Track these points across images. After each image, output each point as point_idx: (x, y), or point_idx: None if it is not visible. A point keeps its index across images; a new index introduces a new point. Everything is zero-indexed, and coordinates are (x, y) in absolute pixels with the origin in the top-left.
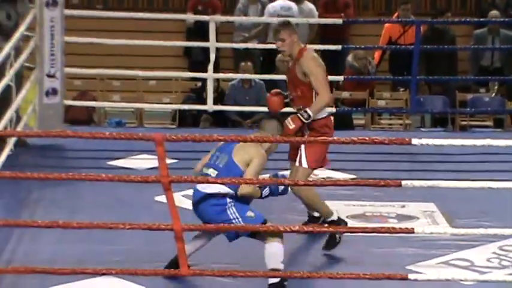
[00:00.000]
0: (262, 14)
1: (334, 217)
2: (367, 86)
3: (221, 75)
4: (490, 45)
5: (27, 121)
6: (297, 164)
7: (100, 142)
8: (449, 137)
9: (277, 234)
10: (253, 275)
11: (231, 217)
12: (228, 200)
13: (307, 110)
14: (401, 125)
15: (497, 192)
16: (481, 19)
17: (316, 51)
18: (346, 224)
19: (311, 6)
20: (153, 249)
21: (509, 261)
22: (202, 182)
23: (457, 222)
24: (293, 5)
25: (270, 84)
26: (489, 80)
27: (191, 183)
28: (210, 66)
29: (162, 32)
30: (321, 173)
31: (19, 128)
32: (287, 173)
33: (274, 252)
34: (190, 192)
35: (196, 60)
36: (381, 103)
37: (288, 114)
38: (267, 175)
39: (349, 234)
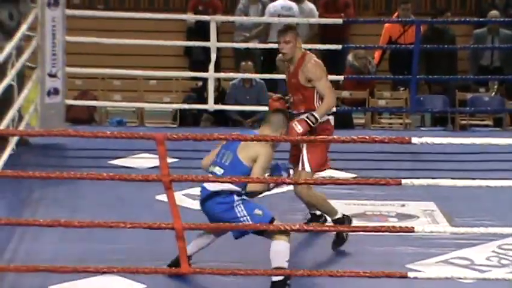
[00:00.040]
0: (262, 14)
1: (339, 215)
2: (367, 86)
3: (222, 75)
4: (489, 44)
5: (29, 120)
6: (300, 168)
7: (101, 141)
8: (449, 136)
9: (285, 232)
10: (254, 273)
11: (239, 215)
12: (236, 197)
13: (314, 113)
14: (401, 124)
15: (497, 191)
16: (481, 19)
17: (317, 50)
18: (350, 219)
19: (311, 6)
20: (154, 248)
21: (508, 260)
22: (204, 181)
23: (457, 221)
24: (294, 4)
25: (271, 84)
26: (489, 80)
27: (192, 182)
28: (211, 66)
29: (163, 31)
30: (322, 172)
31: (21, 127)
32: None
33: (280, 251)
34: (191, 191)
35: (197, 59)
36: (381, 102)
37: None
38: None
39: (349, 233)
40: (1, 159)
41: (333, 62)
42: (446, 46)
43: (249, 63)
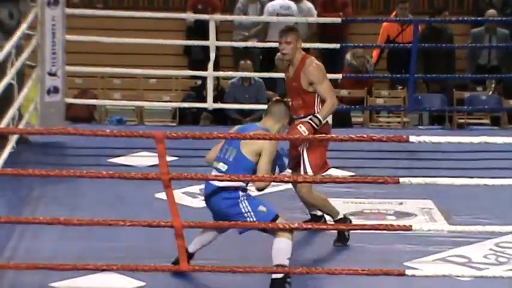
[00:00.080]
0: (261, 13)
1: (341, 215)
2: (365, 84)
3: (221, 74)
4: (487, 43)
5: (29, 119)
6: (302, 171)
7: (101, 139)
8: (447, 134)
9: (288, 230)
10: (253, 271)
11: (243, 211)
12: (241, 193)
13: (317, 115)
14: (399, 123)
15: (495, 189)
16: (478, 18)
17: (315, 49)
18: (350, 221)
19: (310, 5)
20: (154, 245)
21: (506, 257)
22: (203, 179)
23: (455, 219)
24: (292, 4)
25: (270, 83)
26: (486, 78)
27: (191, 180)
28: (210, 65)
29: (162, 30)
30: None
31: (21, 126)
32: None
33: (282, 248)
34: (190, 189)
35: (196, 58)
36: (379, 101)
37: None
38: None
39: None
40: (1, 158)
41: (331, 61)
42: (444, 45)
43: (248, 62)
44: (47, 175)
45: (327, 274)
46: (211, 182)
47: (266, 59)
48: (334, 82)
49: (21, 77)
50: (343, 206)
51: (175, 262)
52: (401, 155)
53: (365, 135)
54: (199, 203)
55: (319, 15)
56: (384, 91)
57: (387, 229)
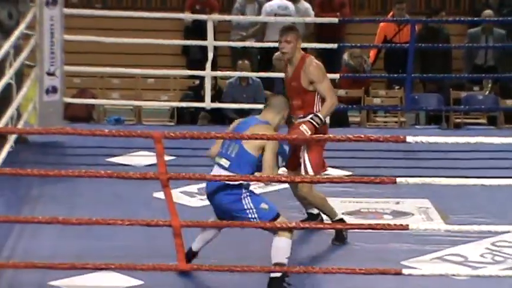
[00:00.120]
0: (259, 13)
1: (338, 217)
2: (362, 84)
3: (219, 74)
4: (483, 43)
5: (27, 118)
6: (303, 172)
7: (99, 139)
8: (444, 134)
9: (288, 229)
10: (251, 270)
11: (245, 207)
12: (244, 190)
13: (318, 114)
14: (396, 122)
15: (491, 188)
16: (475, 18)
17: (313, 49)
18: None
19: (307, 5)
20: (152, 244)
21: (502, 256)
22: (201, 179)
23: (452, 218)
24: (290, 4)
25: (267, 82)
26: (483, 78)
27: (189, 180)
28: (208, 65)
29: (160, 30)
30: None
31: (19, 125)
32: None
33: (281, 247)
34: (188, 188)
35: (194, 58)
36: (376, 101)
37: None
38: None
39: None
40: (0, 157)
41: (328, 61)
42: (440, 45)
43: (246, 62)
44: (45, 175)
45: (324, 273)
46: None
47: (264, 59)
48: (331, 82)
49: (20, 76)
50: (340, 205)
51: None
52: (398, 155)
53: (362, 136)
54: (197, 202)
55: (316, 16)
56: (381, 91)
57: (384, 228)
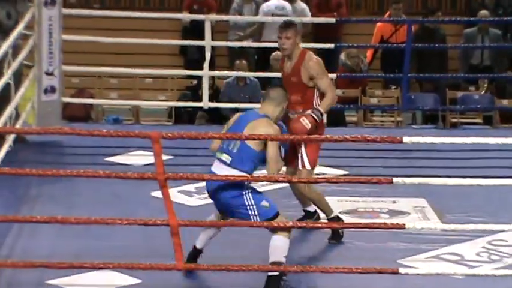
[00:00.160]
0: (256, 13)
1: (334, 214)
2: (359, 84)
3: (216, 73)
4: (479, 44)
5: (26, 118)
6: (300, 167)
7: (97, 139)
8: (440, 133)
9: (285, 228)
10: (248, 269)
11: (246, 203)
12: (245, 186)
13: (319, 108)
14: (393, 122)
15: (487, 187)
16: (471, 18)
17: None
18: (342, 221)
19: (303, 5)
20: (150, 244)
21: (498, 255)
22: (198, 179)
23: (448, 217)
24: (287, 4)
25: (265, 82)
26: (479, 78)
27: (187, 180)
28: (206, 65)
29: (158, 30)
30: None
31: (18, 125)
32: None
33: (279, 246)
34: (186, 187)
35: (192, 58)
36: (373, 100)
37: None
38: None
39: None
40: None
41: (325, 61)
42: (437, 45)
43: (243, 61)
44: (44, 174)
45: (321, 273)
46: (216, 171)
47: (261, 59)
48: None
49: (19, 76)
50: (337, 204)
51: (189, 260)
52: (395, 154)
53: (359, 136)
54: (195, 201)
55: (313, 16)
56: (377, 91)
57: (381, 228)
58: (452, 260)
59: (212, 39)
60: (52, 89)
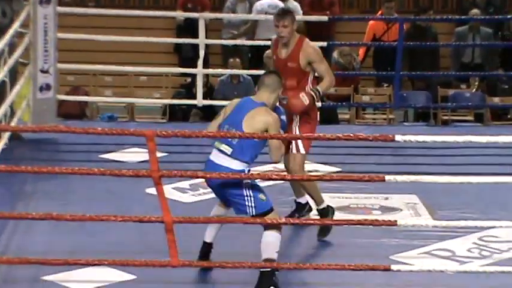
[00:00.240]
0: (250, 11)
1: (324, 205)
2: (352, 82)
3: (210, 71)
4: (470, 42)
5: (21, 116)
6: (294, 151)
7: (92, 136)
8: (431, 131)
9: (278, 225)
10: (242, 266)
11: (245, 193)
12: (245, 175)
13: (318, 88)
14: (385, 119)
15: (478, 184)
16: (462, 17)
17: None
18: (333, 210)
19: (295, 3)
20: (144, 240)
21: (488, 251)
22: (192, 177)
23: (439, 213)
24: (280, 3)
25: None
26: (470, 76)
27: (181, 177)
28: (200, 62)
29: (152, 29)
30: (307, 166)
31: (13, 123)
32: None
33: (271, 242)
34: (180, 184)
35: (186, 56)
36: (366, 98)
37: None
38: None
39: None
40: None
41: None
42: (428, 43)
43: (237, 59)
44: (39, 171)
45: (314, 269)
46: (215, 160)
47: (255, 57)
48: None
49: (14, 74)
50: (330, 200)
51: (201, 256)
52: (387, 151)
53: (352, 134)
54: (189, 197)
55: (306, 14)
56: (370, 88)
57: (373, 224)
58: (444, 256)
59: (206, 38)
60: (47, 87)
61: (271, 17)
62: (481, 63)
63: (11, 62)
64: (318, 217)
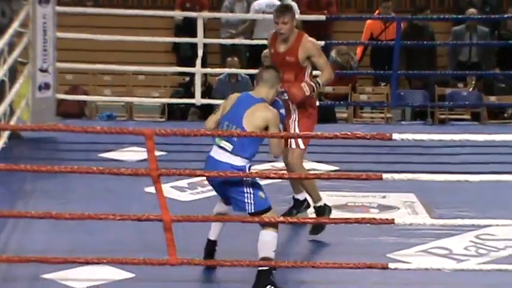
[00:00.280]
0: (248, 11)
1: (321, 203)
2: (349, 81)
3: (208, 70)
4: (467, 41)
5: (20, 115)
6: (293, 146)
7: (91, 135)
8: (429, 129)
9: (275, 224)
10: (240, 264)
11: (245, 190)
12: (247, 171)
13: (318, 80)
14: (382, 118)
15: (475, 183)
16: (459, 16)
17: None
18: (330, 209)
19: (293, 3)
20: (143, 239)
21: (485, 249)
22: (191, 175)
23: (436, 212)
24: (277, 2)
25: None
26: (467, 75)
27: (179, 176)
28: (198, 62)
29: (151, 28)
30: (305, 165)
31: (12, 122)
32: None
33: (267, 241)
34: (178, 183)
35: (185, 55)
36: (363, 97)
37: None
38: None
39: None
40: None
41: None
42: (425, 42)
43: (235, 59)
44: (38, 170)
45: (311, 268)
46: (216, 157)
47: (253, 56)
48: None
49: (13, 73)
50: (327, 199)
51: (206, 255)
52: (384, 150)
53: (349, 133)
54: (187, 196)
55: (304, 14)
56: (367, 87)
57: (371, 223)
58: (441, 254)
59: (204, 37)
60: (46, 86)
61: (269, 16)
62: (478, 62)
63: (10, 61)
64: (315, 214)
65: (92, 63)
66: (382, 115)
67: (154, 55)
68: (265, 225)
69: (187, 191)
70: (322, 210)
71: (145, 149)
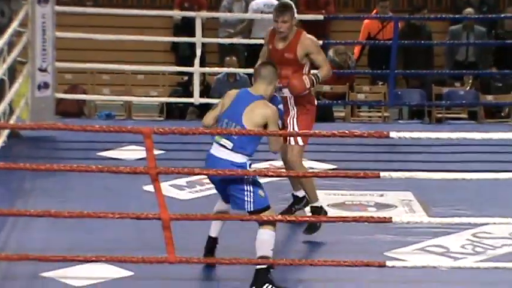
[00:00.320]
0: (246, 10)
1: (318, 204)
2: (347, 80)
3: (207, 70)
4: (464, 40)
5: (19, 114)
6: (292, 142)
7: (90, 134)
8: (426, 128)
9: (271, 222)
10: (238, 262)
11: (245, 188)
12: (248, 168)
13: (318, 74)
14: (380, 117)
15: (472, 181)
16: (456, 16)
17: None
18: (326, 212)
19: (290, 2)
20: (142, 237)
21: (482, 247)
22: (189, 174)
23: (433, 210)
24: (275, 2)
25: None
26: (464, 74)
27: (178, 174)
28: (196, 61)
29: (150, 28)
30: (304, 163)
31: (12, 121)
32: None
33: (265, 240)
34: (177, 181)
35: (183, 55)
36: (361, 96)
37: None
38: None
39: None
40: None
41: None
42: (423, 42)
43: (233, 58)
44: (37, 169)
45: (309, 266)
46: (217, 155)
47: (251, 56)
48: None
49: (13, 72)
50: (325, 197)
51: (206, 252)
52: (382, 148)
53: (347, 131)
54: (186, 195)
55: (301, 13)
56: (365, 86)
57: (368, 221)
58: (438, 252)
59: (203, 36)
60: (45, 85)
61: (267, 16)
62: (475, 62)
63: (9, 60)
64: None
65: (91, 62)
66: (379, 114)
67: (153, 54)
68: (263, 223)
69: (185, 190)
70: (318, 212)
71: (144, 148)
